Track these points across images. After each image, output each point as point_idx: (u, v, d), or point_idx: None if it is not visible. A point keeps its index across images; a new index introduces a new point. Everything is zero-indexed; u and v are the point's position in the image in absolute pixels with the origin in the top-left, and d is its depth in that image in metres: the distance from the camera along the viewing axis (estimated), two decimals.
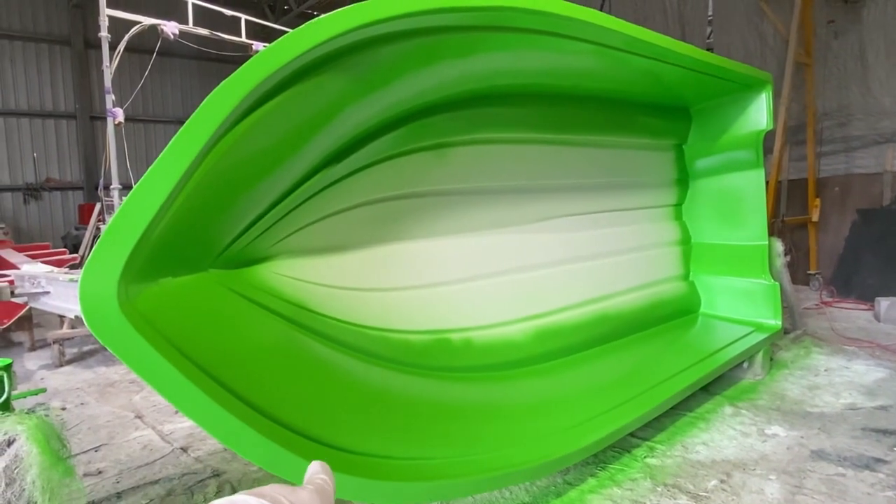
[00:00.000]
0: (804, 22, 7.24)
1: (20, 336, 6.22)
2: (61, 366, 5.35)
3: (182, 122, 1.61)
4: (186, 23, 8.01)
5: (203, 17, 8.54)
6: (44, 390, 2.34)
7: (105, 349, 5.31)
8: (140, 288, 1.66)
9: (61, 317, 5.55)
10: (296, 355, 2.31)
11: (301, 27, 1.81)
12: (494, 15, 2.32)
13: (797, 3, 7.07)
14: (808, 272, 7.88)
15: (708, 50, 6.49)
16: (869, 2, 7.45)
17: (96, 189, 11.07)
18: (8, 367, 1.87)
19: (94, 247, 1.50)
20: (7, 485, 1.55)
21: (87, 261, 1.48)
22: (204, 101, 1.64)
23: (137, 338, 1.51)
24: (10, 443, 1.63)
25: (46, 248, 9.12)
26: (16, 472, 1.58)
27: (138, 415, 3.99)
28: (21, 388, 2.40)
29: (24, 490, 1.58)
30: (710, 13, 7.70)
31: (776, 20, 7.70)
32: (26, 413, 1.81)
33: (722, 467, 2.95)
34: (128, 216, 1.53)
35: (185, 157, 1.60)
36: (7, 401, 1.83)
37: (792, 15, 7.12)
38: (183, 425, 3.71)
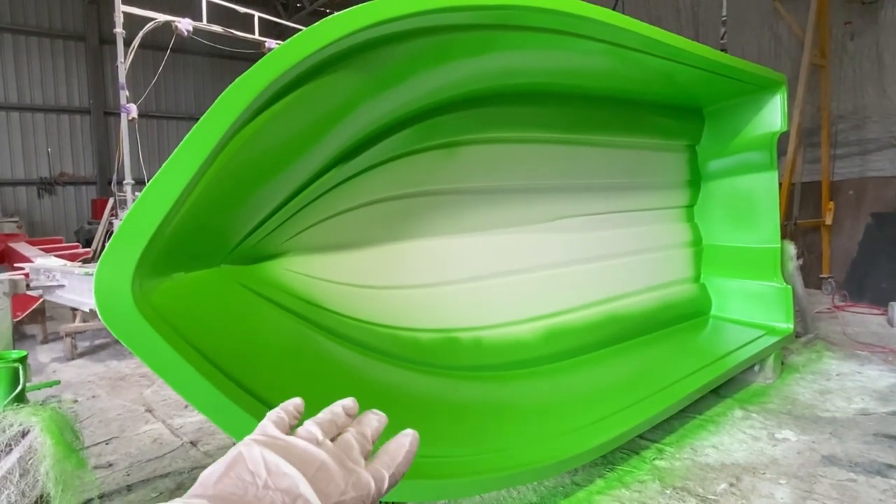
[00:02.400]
0: (820, 23, 7.17)
1: (33, 329, 6.30)
2: (73, 359, 5.41)
3: (194, 119, 1.62)
4: (200, 20, 8.07)
5: (217, 14, 8.59)
6: (58, 382, 2.37)
7: (117, 343, 5.33)
8: (154, 282, 1.67)
9: (74, 310, 5.60)
10: (305, 351, 2.32)
11: (315, 25, 1.81)
12: (507, 14, 2.32)
13: (813, 4, 7.00)
14: (821, 276, 7.80)
15: (722, 50, 6.45)
16: (886, 3, 7.36)
17: (109, 184, 11.17)
18: (23, 360, 1.89)
19: (110, 241, 1.51)
20: (21, 475, 1.57)
21: (102, 255, 1.50)
22: (218, 98, 1.65)
23: (151, 332, 1.52)
24: (24, 434, 1.65)
25: (59, 241, 9.23)
26: (30, 462, 1.60)
27: (149, 409, 4.03)
28: (34, 381, 2.43)
29: (37, 481, 1.59)
30: (724, 13, 7.64)
31: (791, 21, 7.62)
32: (40, 405, 1.83)
33: (731, 471, 2.93)
34: (142, 212, 1.54)
35: (200, 154, 1.61)
36: (22, 392, 1.85)
37: (807, 15, 7.05)
38: (192, 420, 3.74)
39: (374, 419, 0.64)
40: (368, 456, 0.59)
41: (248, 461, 0.51)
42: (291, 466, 0.50)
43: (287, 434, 0.56)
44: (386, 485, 0.57)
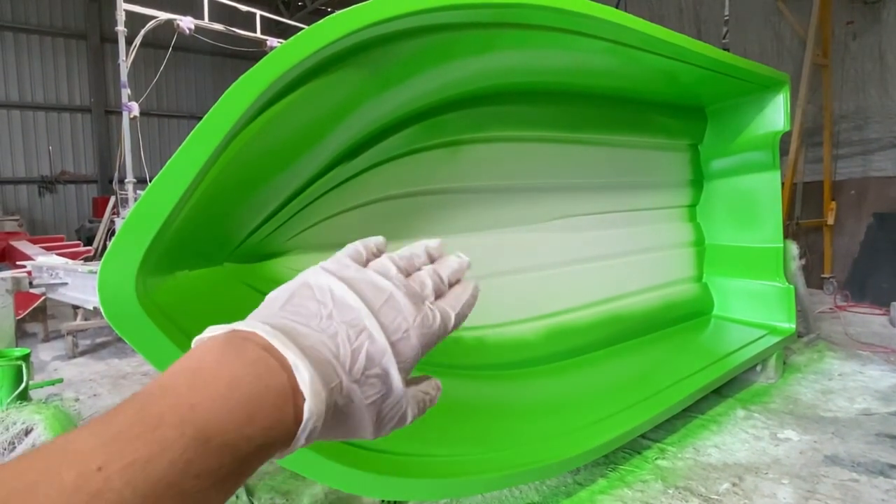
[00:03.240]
0: (822, 22, 7.15)
1: (34, 327, 6.29)
2: (74, 357, 5.40)
3: (196, 118, 1.62)
4: (202, 18, 8.07)
5: (218, 12, 8.59)
6: (60, 380, 2.37)
7: (118, 341, 5.34)
8: (157, 280, 1.67)
9: (75, 308, 5.60)
10: None
11: (317, 23, 1.80)
12: (511, 12, 2.31)
13: (815, 4, 6.98)
14: (823, 276, 7.79)
15: (724, 50, 6.42)
16: (889, 2, 7.34)
17: (110, 182, 11.17)
18: (26, 357, 1.89)
19: (114, 239, 1.51)
20: None
21: (106, 253, 1.49)
22: (222, 97, 1.65)
23: (154, 329, 1.52)
24: (27, 432, 1.65)
25: (61, 240, 9.26)
26: None
27: None
28: (35, 379, 2.42)
29: None
30: (726, 13, 7.62)
31: (793, 20, 7.61)
32: (43, 403, 1.83)
33: (734, 470, 2.93)
34: (146, 209, 1.54)
35: (203, 152, 1.61)
36: (25, 390, 1.85)
37: (810, 15, 7.04)
38: None
39: (455, 262, 0.61)
40: (441, 296, 0.57)
41: (316, 290, 0.50)
42: (358, 299, 0.49)
43: (361, 267, 0.55)
44: (452, 323, 0.55)
